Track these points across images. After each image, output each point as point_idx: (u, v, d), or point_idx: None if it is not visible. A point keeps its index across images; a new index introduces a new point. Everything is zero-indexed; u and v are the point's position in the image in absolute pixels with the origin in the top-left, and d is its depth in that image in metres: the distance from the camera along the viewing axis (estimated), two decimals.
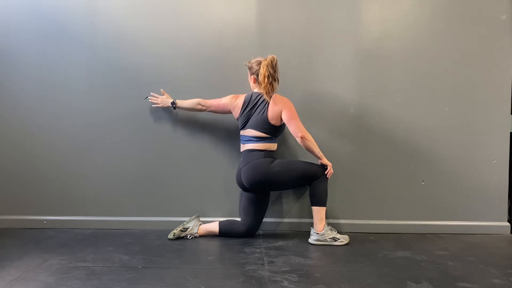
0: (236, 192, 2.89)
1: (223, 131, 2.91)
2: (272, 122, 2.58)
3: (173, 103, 2.81)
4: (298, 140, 2.56)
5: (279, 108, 2.56)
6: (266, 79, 2.55)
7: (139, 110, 2.92)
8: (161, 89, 2.86)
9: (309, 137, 2.56)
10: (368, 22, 2.88)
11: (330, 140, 2.89)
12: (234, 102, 2.70)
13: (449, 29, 2.87)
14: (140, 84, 2.91)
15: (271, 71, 2.55)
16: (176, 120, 2.92)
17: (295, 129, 2.55)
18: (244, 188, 2.68)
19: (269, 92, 2.58)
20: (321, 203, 2.58)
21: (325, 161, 2.60)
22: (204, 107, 2.78)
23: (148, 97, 2.88)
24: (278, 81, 2.62)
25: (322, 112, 2.90)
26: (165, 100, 2.84)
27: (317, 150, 2.59)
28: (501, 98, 2.89)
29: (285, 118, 2.56)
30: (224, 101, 2.73)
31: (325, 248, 2.49)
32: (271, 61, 2.56)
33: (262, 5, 2.88)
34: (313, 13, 2.88)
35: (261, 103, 2.61)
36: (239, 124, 2.70)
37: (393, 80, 2.89)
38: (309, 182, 2.60)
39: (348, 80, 2.89)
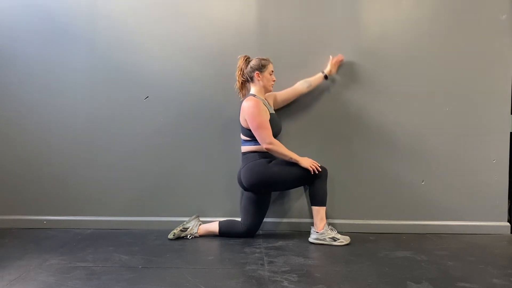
0: (237, 192, 2.89)
1: (224, 131, 2.91)
2: (244, 126, 2.58)
3: (324, 74, 2.82)
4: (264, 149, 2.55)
5: (243, 115, 2.55)
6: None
7: (139, 110, 2.92)
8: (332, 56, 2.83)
9: (275, 147, 2.49)
10: (368, 22, 2.88)
11: (330, 140, 2.89)
12: None
13: (449, 29, 2.87)
14: (140, 84, 2.91)
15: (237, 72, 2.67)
16: (176, 120, 2.92)
17: (259, 140, 2.52)
18: (245, 188, 2.68)
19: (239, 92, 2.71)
20: (321, 203, 2.58)
21: (303, 163, 2.51)
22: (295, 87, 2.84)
23: (148, 97, 2.90)
24: (247, 81, 2.68)
25: (322, 112, 2.89)
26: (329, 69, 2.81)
27: (288, 156, 2.51)
28: (501, 98, 2.88)
29: (251, 128, 2.53)
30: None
31: (325, 248, 2.49)
32: (239, 64, 2.66)
33: (262, 5, 2.88)
34: (313, 13, 2.88)
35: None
36: None
37: (393, 80, 2.88)
38: (309, 182, 2.60)
39: (348, 80, 2.89)
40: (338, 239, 2.55)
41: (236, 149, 2.85)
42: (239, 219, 2.73)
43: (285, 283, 1.89)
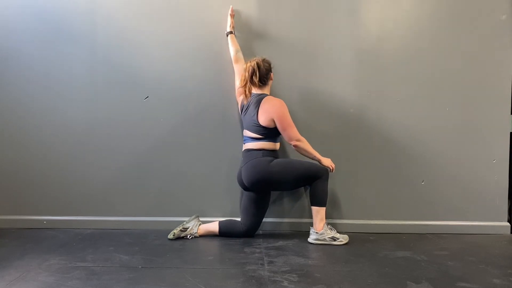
0: (237, 192, 2.89)
1: (223, 131, 2.91)
2: (264, 124, 2.56)
3: (229, 32, 2.81)
4: (292, 146, 2.58)
5: (269, 115, 2.54)
6: (243, 82, 2.60)
7: (139, 111, 2.91)
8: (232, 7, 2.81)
9: (303, 144, 2.56)
10: (368, 22, 2.88)
11: (330, 140, 2.89)
12: (239, 94, 2.72)
13: (449, 29, 2.87)
14: (140, 84, 2.91)
15: (246, 76, 2.58)
16: (176, 120, 2.92)
17: (288, 138, 2.56)
18: (245, 188, 2.68)
19: (246, 95, 2.60)
20: (321, 203, 2.58)
21: (324, 162, 2.61)
22: (234, 61, 2.80)
23: (148, 97, 2.90)
24: (258, 86, 2.62)
25: (322, 112, 2.89)
26: (230, 23, 2.81)
27: (312, 154, 2.59)
28: (501, 98, 2.88)
29: (278, 127, 2.55)
30: (236, 83, 2.78)
31: (325, 248, 2.49)
32: (250, 66, 2.57)
33: (262, 5, 2.88)
34: (313, 13, 2.88)
35: (253, 104, 2.60)
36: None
37: (393, 80, 2.88)
38: (310, 182, 2.60)
39: (348, 80, 2.89)
40: (338, 238, 2.55)
41: (236, 149, 2.85)
42: (239, 219, 2.73)
43: (285, 283, 1.89)
